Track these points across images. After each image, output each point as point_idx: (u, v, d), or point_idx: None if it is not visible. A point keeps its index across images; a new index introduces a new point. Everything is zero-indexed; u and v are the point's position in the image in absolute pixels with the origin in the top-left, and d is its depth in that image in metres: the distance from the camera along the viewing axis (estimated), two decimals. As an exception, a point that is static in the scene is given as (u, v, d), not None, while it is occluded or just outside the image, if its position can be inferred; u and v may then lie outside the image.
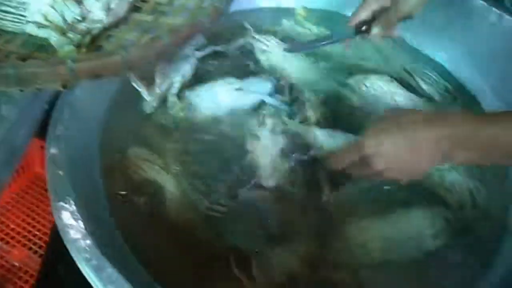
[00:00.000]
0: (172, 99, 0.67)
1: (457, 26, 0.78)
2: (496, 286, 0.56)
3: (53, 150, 0.57)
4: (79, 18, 0.65)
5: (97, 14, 0.59)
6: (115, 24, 0.61)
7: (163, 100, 0.69)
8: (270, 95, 0.68)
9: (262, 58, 0.75)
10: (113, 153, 0.64)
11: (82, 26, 0.61)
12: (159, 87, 0.66)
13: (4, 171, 0.57)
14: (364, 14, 0.71)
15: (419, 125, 0.54)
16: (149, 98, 0.66)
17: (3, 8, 0.64)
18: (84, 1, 0.62)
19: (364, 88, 0.73)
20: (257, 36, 0.76)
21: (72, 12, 0.65)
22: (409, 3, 0.67)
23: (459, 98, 0.76)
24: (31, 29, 0.64)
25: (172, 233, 0.58)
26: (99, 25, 0.59)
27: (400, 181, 0.59)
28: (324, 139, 0.65)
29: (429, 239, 0.61)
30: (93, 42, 0.58)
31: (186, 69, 0.69)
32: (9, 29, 0.65)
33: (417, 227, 0.61)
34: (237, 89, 0.67)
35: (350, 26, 0.72)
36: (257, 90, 0.67)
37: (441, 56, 0.81)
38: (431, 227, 0.61)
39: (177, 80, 0.67)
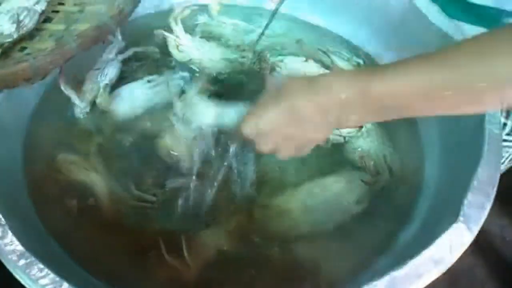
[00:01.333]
0: (101, 99, 0.69)
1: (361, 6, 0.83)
2: (413, 238, 0.60)
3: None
4: None
5: (7, 27, 0.60)
6: (29, 36, 0.62)
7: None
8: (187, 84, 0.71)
9: (174, 52, 0.76)
10: (38, 160, 0.65)
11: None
12: (89, 92, 0.68)
13: None
14: None
15: (303, 93, 0.49)
16: (81, 104, 0.67)
17: None
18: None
19: (278, 69, 0.76)
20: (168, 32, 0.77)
21: None
22: None
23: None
24: None
25: (104, 229, 0.60)
26: (9, 39, 0.60)
27: (297, 156, 0.57)
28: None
29: (352, 204, 0.65)
30: (6, 54, 0.59)
31: (111, 73, 0.71)
32: None
33: (339, 194, 0.65)
34: (156, 85, 0.70)
35: None
36: (175, 83, 0.70)
37: (349, 33, 0.85)
38: (352, 192, 0.66)
39: (104, 84, 0.69)
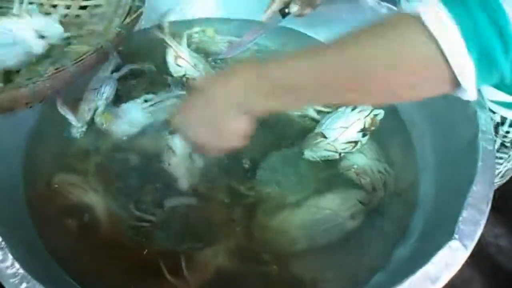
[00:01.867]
0: (101, 119, 0.69)
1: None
2: (408, 254, 0.61)
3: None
4: None
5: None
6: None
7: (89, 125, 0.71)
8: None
9: (172, 64, 0.77)
10: (37, 181, 0.66)
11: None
12: (86, 112, 0.69)
13: None
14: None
15: (214, 83, 0.53)
16: (77, 124, 0.68)
17: None
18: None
19: None
20: (168, 43, 0.77)
21: None
22: None
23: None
24: None
25: (104, 249, 0.61)
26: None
27: (226, 149, 0.57)
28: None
29: (347, 221, 0.65)
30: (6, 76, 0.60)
31: (108, 92, 0.71)
32: None
33: (334, 210, 0.66)
34: (153, 105, 0.70)
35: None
36: (172, 103, 0.71)
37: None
38: (347, 209, 0.66)
39: (101, 104, 0.70)
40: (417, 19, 0.39)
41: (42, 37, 0.60)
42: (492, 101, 0.71)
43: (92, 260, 0.60)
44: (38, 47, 0.58)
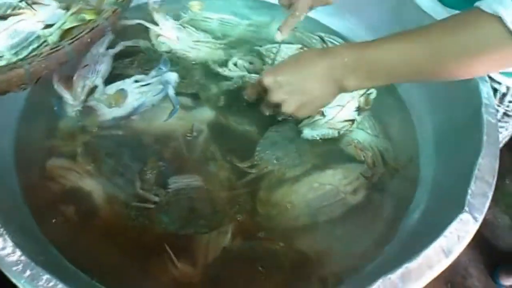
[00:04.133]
0: (101, 96, 0.66)
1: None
2: (413, 227, 0.62)
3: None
4: None
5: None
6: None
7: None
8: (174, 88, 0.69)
9: (156, 43, 0.75)
10: (30, 167, 0.62)
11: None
12: (81, 90, 0.65)
13: None
14: None
15: (313, 58, 0.60)
16: (73, 102, 0.65)
17: None
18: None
19: (272, 55, 0.76)
20: (154, 17, 0.76)
21: None
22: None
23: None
24: None
25: (106, 233, 0.59)
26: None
27: (298, 115, 0.65)
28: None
29: (349, 196, 0.66)
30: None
31: (103, 69, 0.68)
32: None
33: (336, 185, 0.66)
34: (144, 85, 0.67)
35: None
36: (164, 82, 0.68)
37: (342, 26, 0.86)
38: (349, 184, 0.67)
39: (98, 81, 0.66)
40: (497, 19, 0.48)
41: (49, 25, 0.58)
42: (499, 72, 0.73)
43: (93, 245, 0.58)
44: (54, 36, 0.57)
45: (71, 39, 0.53)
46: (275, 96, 0.63)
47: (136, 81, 0.67)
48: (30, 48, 0.58)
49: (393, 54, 0.56)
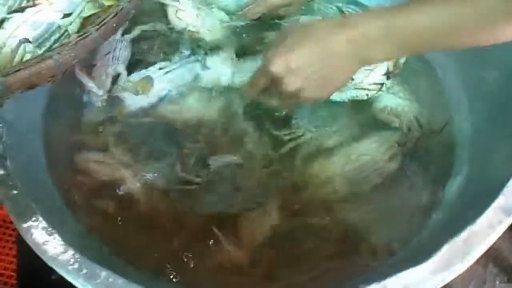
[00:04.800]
0: (126, 84, 0.64)
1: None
2: (456, 194, 0.60)
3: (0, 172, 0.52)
4: None
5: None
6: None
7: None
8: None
9: (173, 19, 0.72)
10: (63, 164, 0.61)
11: None
12: (105, 78, 0.63)
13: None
14: None
15: (331, 29, 0.51)
16: (99, 92, 0.62)
17: None
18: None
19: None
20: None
21: None
22: None
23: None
24: None
25: (149, 222, 0.58)
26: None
27: (320, 99, 0.57)
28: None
29: (387, 164, 0.65)
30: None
31: (123, 55, 0.66)
32: None
33: (373, 155, 0.65)
34: (168, 72, 0.65)
35: None
36: (188, 70, 0.66)
37: None
38: (385, 152, 0.65)
39: (121, 68, 0.64)
40: None
41: (68, 15, 0.56)
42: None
43: (136, 235, 0.57)
44: (74, 26, 0.55)
45: (97, 25, 0.51)
46: (291, 85, 0.53)
47: (160, 69, 0.65)
48: (52, 39, 0.56)
49: (427, 21, 0.49)
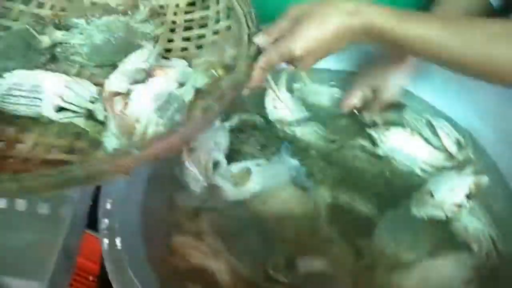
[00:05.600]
0: (226, 174, 0.67)
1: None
2: None
3: (106, 241, 0.56)
4: (96, 96, 0.66)
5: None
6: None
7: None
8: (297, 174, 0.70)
9: (270, 108, 0.77)
10: (157, 242, 0.64)
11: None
12: (204, 165, 0.66)
13: (66, 276, 0.55)
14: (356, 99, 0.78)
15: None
16: (199, 177, 0.66)
17: (16, 93, 0.63)
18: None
19: (384, 139, 0.77)
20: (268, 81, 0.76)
21: (88, 91, 0.66)
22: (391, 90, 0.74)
23: (469, 148, 0.80)
24: (48, 112, 0.63)
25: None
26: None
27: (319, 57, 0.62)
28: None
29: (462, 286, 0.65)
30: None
31: (223, 143, 0.70)
32: (23, 114, 0.64)
33: (448, 276, 0.65)
34: (265, 168, 0.69)
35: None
36: (284, 170, 0.69)
37: (449, 108, 0.86)
38: (461, 276, 0.66)
39: (220, 157, 0.68)
40: None
41: (182, 84, 0.60)
42: None
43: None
44: (188, 95, 0.58)
45: (217, 98, 0.55)
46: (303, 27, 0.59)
47: (258, 165, 0.68)
48: (172, 108, 0.59)
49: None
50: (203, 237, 0.64)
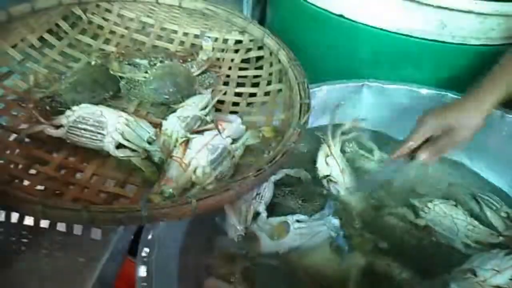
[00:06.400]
0: (265, 225, 0.68)
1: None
2: None
3: (141, 274, 0.58)
4: (154, 137, 0.69)
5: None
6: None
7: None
8: (336, 234, 0.70)
9: (321, 161, 0.78)
10: (190, 281, 0.65)
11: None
12: (245, 214, 0.68)
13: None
14: (417, 142, 0.76)
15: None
16: (237, 226, 0.67)
17: (81, 126, 0.68)
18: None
19: (426, 209, 0.77)
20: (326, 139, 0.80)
21: (146, 132, 0.69)
22: (462, 133, 0.73)
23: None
24: (109, 148, 0.67)
25: None
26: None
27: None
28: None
29: None
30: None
31: (267, 195, 0.71)
32: (88, 146, 0.68)
33: None
34: (305, 225, 0.69)
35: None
36: (324, 228, 0.69)
37: (501, 181, 0.85)
38: None
39: (261, 208, 0.69)
40: None
41: (234, 140, 0.64)
42: None
43: None
44: (239, 151, 0.62)
45: (270, 162, 0.58)
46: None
47: (298, 221, 0.68)
48: (224, 163, 0.63)
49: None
50: (235, 283, 0.64)
